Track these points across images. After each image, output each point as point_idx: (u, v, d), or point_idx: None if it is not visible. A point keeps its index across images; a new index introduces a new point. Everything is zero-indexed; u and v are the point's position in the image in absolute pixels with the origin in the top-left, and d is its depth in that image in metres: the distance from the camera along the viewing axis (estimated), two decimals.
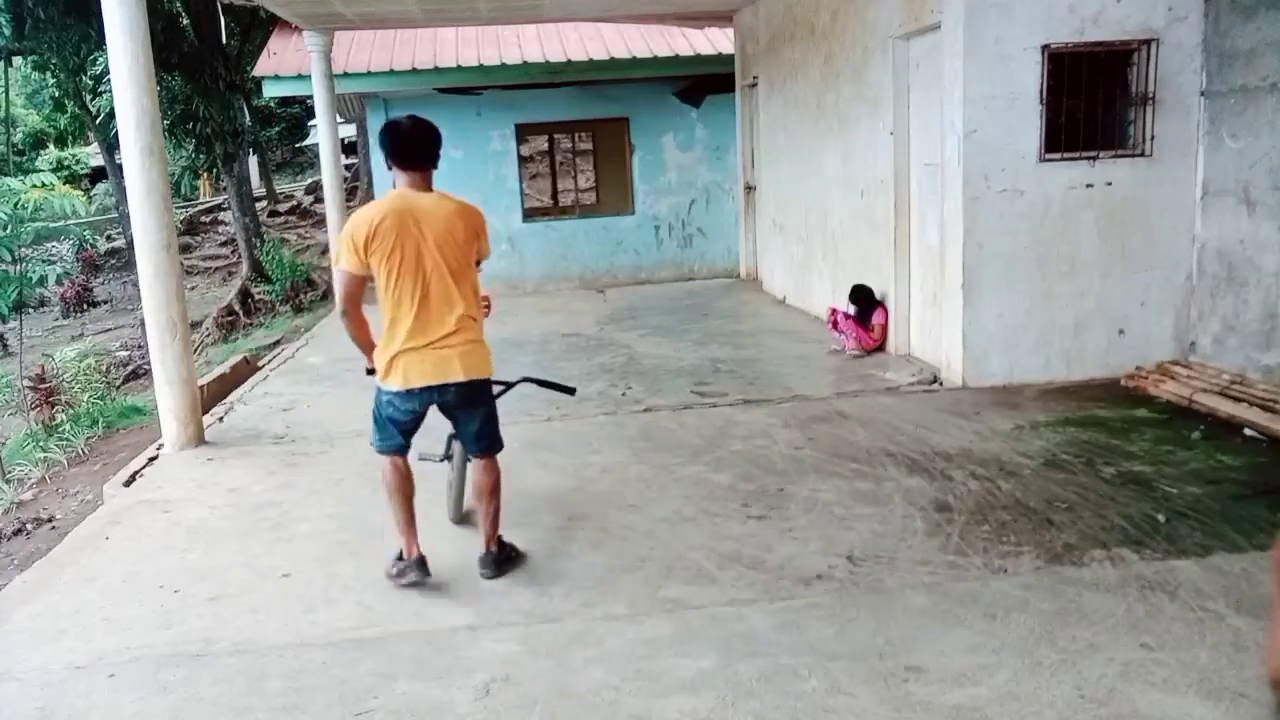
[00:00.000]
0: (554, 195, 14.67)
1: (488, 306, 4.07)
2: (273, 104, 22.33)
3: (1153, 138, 6.36)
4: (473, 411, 3.90)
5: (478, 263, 3.90)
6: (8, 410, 10.05)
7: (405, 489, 3.95)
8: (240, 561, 4.28)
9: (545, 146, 14.97)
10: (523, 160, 13.31)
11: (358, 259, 3.64)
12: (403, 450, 3.95)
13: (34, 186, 10.31)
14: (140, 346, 12.31)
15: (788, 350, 8.06)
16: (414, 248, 3.64)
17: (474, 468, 4.01)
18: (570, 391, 4.43)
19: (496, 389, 4.06)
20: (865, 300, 7.62)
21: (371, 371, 3.87)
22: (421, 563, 3.88)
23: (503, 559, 4.00)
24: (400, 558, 3.93)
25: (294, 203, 24.60)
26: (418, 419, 3.91)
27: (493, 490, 3.97)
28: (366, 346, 3.88)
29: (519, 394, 7.27)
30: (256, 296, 15.52)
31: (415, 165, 3.71)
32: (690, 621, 3.54)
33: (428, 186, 3.75)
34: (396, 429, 3.88)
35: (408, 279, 3.65)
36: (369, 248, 3.63)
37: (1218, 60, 6.19)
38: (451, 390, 3.78)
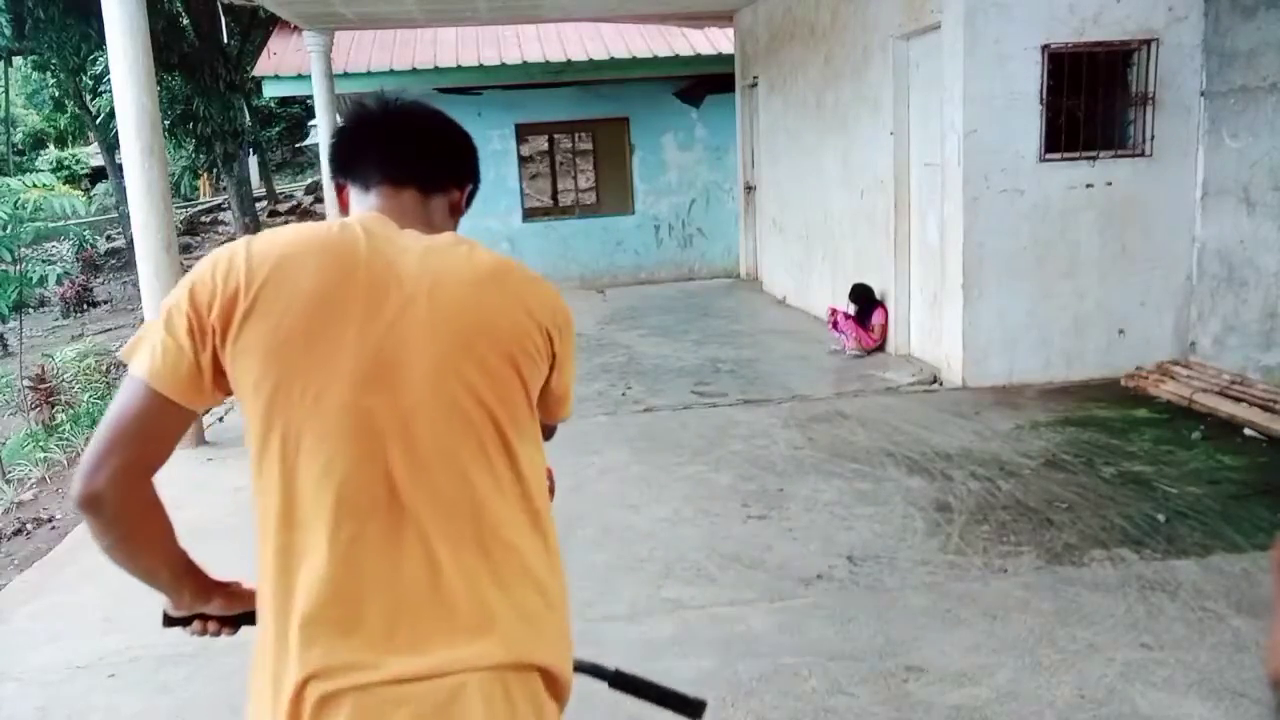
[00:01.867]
0: (554, 195, 14.66)
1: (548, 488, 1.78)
2: (273, 104, 22.33)
3: (1153, 138, 6.36)
4: None
5: (548, 431, 1.61)
6: (8, 410, 10.04)
7: None
8: (240, 561, 4.27)
9: (545, 146, 14.95)
10: (523, 160, 13.31)
11: (183, 360, 1.29)
12: None
13: (34, 186, 10.31)
14: None
15: (788, 350, 8.06)
16: (366, 360, 1.30)
17: None
18: (697, 712, 1.71)
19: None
20: (865, 299, 7.62)
21: (175, 622, 1.57)
22: None
23: None
24: None
25: (294, 203, 24.59)
26: None
27: None
28: (170, 566, 1.48)
29: None
30: None
31: (404, 177, 1.49)
32: (690, 621, 3.54)
33: (426, 225, 1.48)
34: None
35: (335, 450, 1.28)
36: (225, 332, 1.29)
37: (1218, 60, 6.19)
38: None
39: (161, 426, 1.32)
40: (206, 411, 1.25)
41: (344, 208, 1.52)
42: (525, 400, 1.39)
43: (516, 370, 1.36)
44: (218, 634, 1.49)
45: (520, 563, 1.34)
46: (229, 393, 1.32)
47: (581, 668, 1.64)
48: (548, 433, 1.62)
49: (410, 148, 1.52)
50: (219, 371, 1.30)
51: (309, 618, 1.26)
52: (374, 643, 1.26)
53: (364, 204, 1.48)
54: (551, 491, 1.64)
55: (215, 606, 1.48)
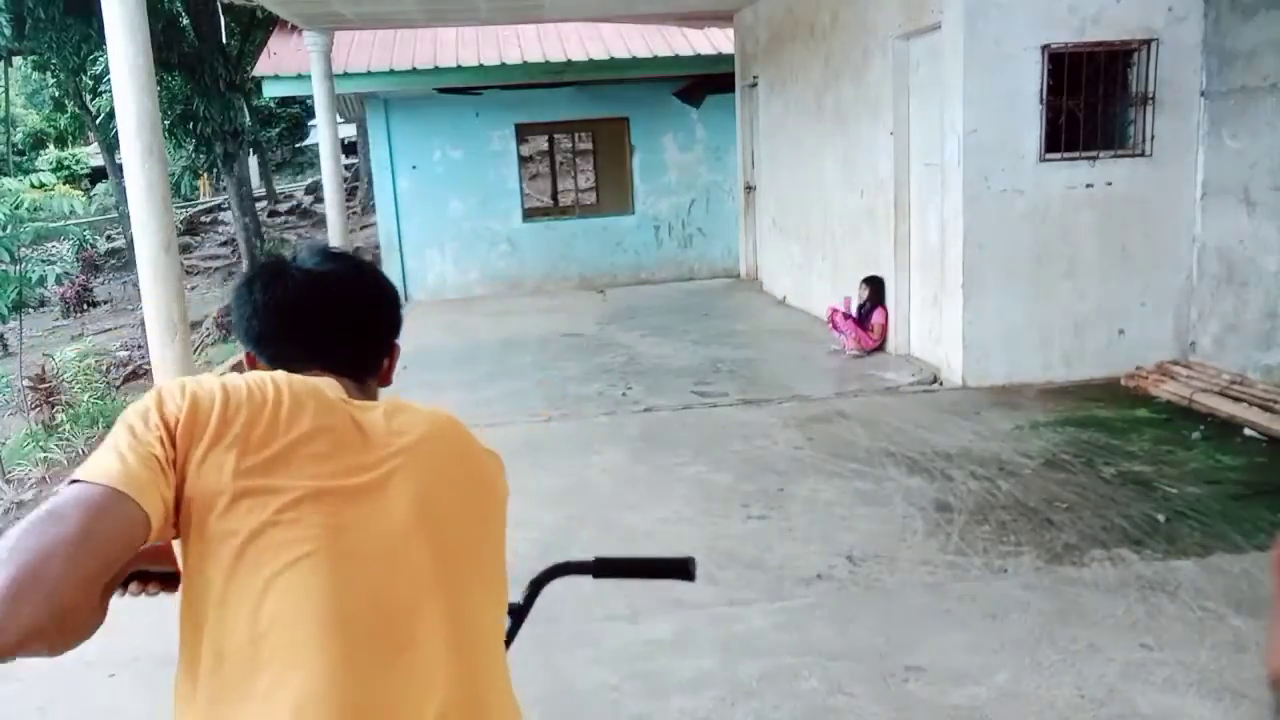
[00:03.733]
0: (554, 195, 14.69)
1: None
2: (273, 104, 22.31)
3: (1153, 138, 6.36)
4: None
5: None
6: (8, 410, 10.05)
7: None
8: None
9: (545, 146, 14.98)
10: (523, 160, 13.31)
11: (165, 473, 1.13)
12: None
13: (33, 186, 10.32)
14: (140, 346, 12.30)
15: (788, 350, 8.06)
16: (349, 505, 1.22)
17: None
18: (684, 571, 1.69)
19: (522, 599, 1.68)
20: (877, 288, 7.55)
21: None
22: None
23: None
24: None
25: (294, 203, 24.61)
26: None
27: None
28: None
29: (514, 391, 7.26)
30: None
31: (340, 368, 1.40)
32: (690, 621, 3.54)
33: (364, 398, 1.41)
34: None
35: (310, 576, 1.16)
36: (209, 447, 1.17)
37: (1218, 60, 6.19)
38: None
39: (115, 546, 1.06)
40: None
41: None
42: (497, 565, 1.36)
43: (489, 537, 1.35)
44: (156, 594, 1.37)
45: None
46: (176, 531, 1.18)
47: (566, 569, 1.68)
48: None
49: (346, 339, 1.41)
50: (177, 490, 1.15)
51: None
52: None
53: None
54: None
55: (147, 561, 1.30)
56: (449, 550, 1.26)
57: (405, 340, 1.51)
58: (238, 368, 1.41)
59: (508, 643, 1.53)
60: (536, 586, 1.68)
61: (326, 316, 1.39)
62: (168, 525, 1.13)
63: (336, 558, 1.17)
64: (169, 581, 1.32)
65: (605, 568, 1.68)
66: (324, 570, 1.16)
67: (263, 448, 1.18)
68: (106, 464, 1.09)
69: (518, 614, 1.64)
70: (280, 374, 1.28)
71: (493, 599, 1.34)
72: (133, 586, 1.33)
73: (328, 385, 1.31)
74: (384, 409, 1.32)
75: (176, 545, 1.20)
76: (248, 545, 1.15)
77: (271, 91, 12.90)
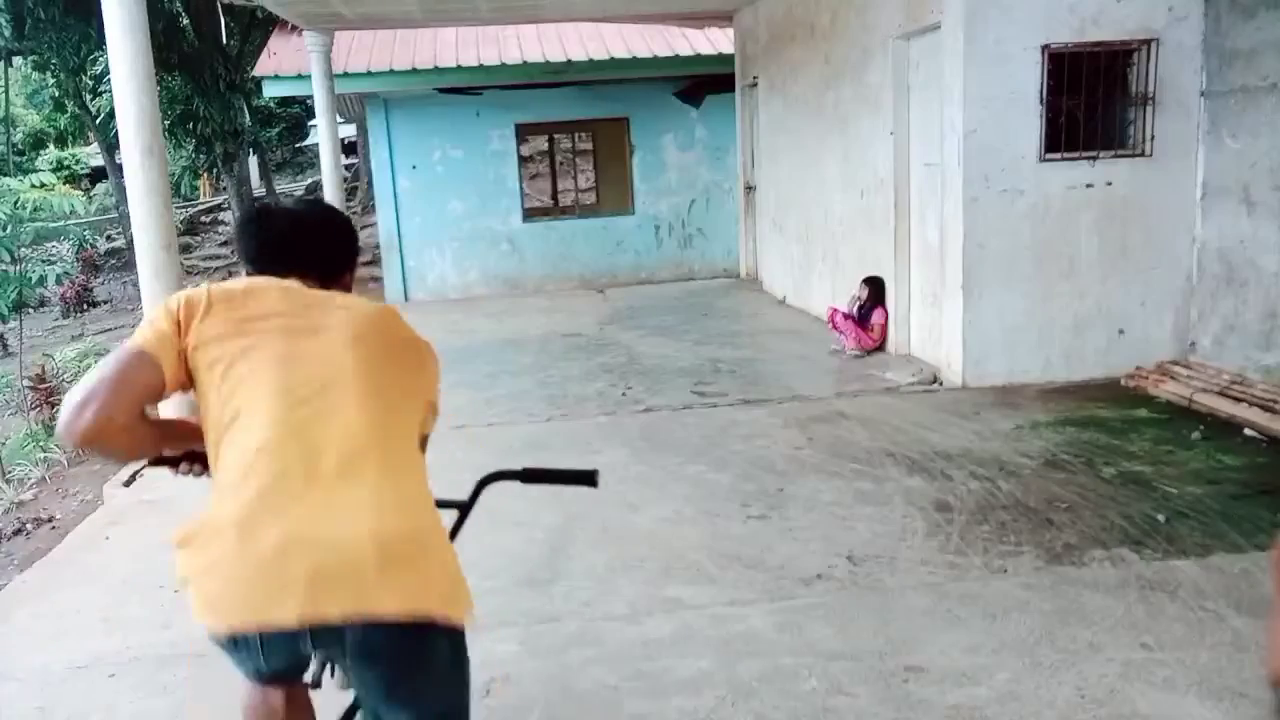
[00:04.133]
0: (554, 195, 14.67)
1: None
2: (273, 104, 22.30)
3: (1153, 138, 6.36)
4: (414, 682, 1.82)
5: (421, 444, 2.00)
6: (8, 410, 10.04)
7: None
8: None
9: (545, 146, 14.97)
10: (523, 160, 13.30)
11: (172, 341, 1.82)
12: (280, 677, 1.98)
13: (34, 186, 10.30)
14: None
15: (788, 350, 8.06)
16: (302, 336, 1.88)
17: None
18: (589, 480, 2.26)
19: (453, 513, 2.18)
20: (877, 288, 7.55)
21: (164, 462, 1.98)
22: None
23: None
24: None
25: None
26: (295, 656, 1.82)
27: None
28: (163, 445, 1.94)
29: (515, 391, 7.26)
30: None
31: (310, 274, 2.02)
32: (690, 621, 3.54)
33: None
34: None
35: (267, 367, 1.82)
36: (201, 318, 1.84)
37: (1218, 60, 6.19)
38: (364, 636, 1.72)
39: (142, 380, 1.79)
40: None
41: None
42: (413, 395, 1.98)
43: (407, 377, 1.98)
44: (200, 475, 1.94)
45: (420, 480, 1.93)
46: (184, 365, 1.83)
47: (499, 476, 2.23)
48: (426, 432, 2.08)
49: (313, 256, 2.05)
50: (185, 349, 1.84)
51: (256, 490, 1.77)
52: (299, 495, 1.81)
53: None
54: None
55: (200, 443, 1.88)
56: (373, 361, 1.90)
57: None
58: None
59: (455, 532, 2.09)
60: (478, 488, 2.25)
61: (300, 242, 2.05)
62: (180, 368, 1.82)
63: (288, 360, 1.84)
64: (206, 465, 1.86)
65: (530, 476, 2.24)
66: (280, 366, 1.83)
67: (243, 309, 1.87)
68: (136, 339, 1.82)
69: (463, 509, 2.24)
70: (256, 277, 1.99)
71: (408, 392, 1.96)
72: (183, 466, 1.95)
73: (290, 283, 1.97)
74: (335, 294, 2.00)
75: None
76: (234, 362, 1.82)
77: (271, 91, 12.89)
